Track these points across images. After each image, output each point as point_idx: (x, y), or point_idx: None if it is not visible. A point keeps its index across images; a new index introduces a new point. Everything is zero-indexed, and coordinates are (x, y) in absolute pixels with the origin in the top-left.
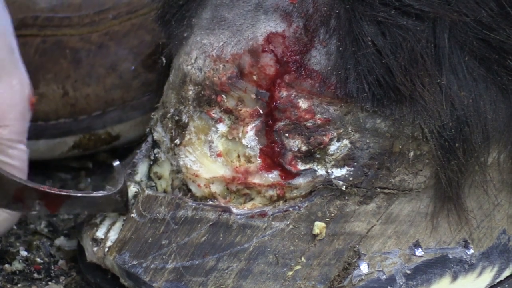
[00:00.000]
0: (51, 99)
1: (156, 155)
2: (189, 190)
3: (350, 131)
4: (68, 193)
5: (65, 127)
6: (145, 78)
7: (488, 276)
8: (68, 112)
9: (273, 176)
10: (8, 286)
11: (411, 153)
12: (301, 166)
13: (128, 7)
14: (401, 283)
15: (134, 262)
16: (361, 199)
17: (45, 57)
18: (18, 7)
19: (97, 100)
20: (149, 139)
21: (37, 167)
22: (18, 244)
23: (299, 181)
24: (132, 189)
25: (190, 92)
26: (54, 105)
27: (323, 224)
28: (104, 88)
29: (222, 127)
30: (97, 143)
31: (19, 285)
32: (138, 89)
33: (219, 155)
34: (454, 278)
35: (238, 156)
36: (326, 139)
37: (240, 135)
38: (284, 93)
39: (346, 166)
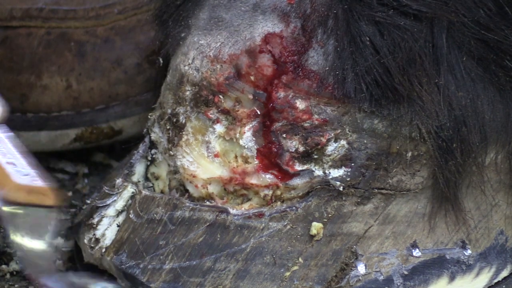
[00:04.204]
0: (54, 91)
1: (154, 156)
2: (187, 191)
3: (348, 132)
4: None
5: (67, 120)
6: (150, 74)
7: (485, 276)
8: (71, 105)
9: (271, 176)
10: (6, 286)
11: (409, 154)
12: (298, 167)
13: (134, 2)
14: (398, 284)
15: (131, 263)
16: (359, 200)
17: (49, 49)
18: None
19: (100, 94)
20: (147, 139)
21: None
22: None
23: (297, 181)
24: (129, 190)
25: (187, 93)
26: (57, 97)
27: (320, 225)
28: (109, 82)
29: (219, 128)
30: (99, 137)
31: (16, 286)
32: (142, 85)
33: (216, 155)
34: (452, 278)
35: (236, 157)
36: (324, 140)
37: (237, 135)
38: (281, 93)
39: (343, 167)
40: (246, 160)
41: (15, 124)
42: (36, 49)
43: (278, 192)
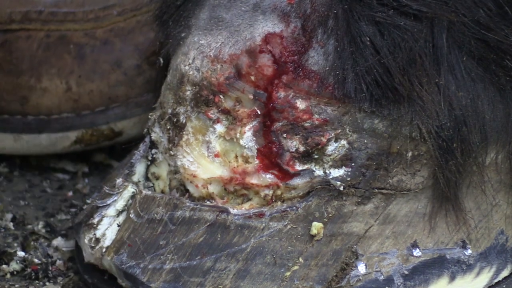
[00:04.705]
0: (54, 94)
1: (154, 156)
2: (187, 191)
3: (348, 132)
4: None
5: (67, 122)
6: (150, 75)
7: (486, 276)
8: (71, 107)
9: (271, 176)
10: (6, 286)
11: (409, 154)
12: (298, 167)
13: (133, 4)
14: (398, 284)
15: (132, 263)
16: (359, 200)
17: (48, 51)
18: (21, 0)
19: (100, 96)
20: (147, 139)
21: (34, 168)
22: (15, 244)
23: (297, 181)
24: (130, 190)
25: (188, 93)
26: (57, 99)
27: (320, 225)
28: (108, 84)
29: (219, 128)
30: (99, 138)
31: (16, 286)
32: (142, 86)
33: (216, 155)
34: (452, 278)
35: (236, 157)
36: (324, 140)
37: (238, 135)
38: (281, 93)
39: (344, 167)
40: (246, 160)
41: (15, 126)
42: (36, 52)
43: (279, 192)
